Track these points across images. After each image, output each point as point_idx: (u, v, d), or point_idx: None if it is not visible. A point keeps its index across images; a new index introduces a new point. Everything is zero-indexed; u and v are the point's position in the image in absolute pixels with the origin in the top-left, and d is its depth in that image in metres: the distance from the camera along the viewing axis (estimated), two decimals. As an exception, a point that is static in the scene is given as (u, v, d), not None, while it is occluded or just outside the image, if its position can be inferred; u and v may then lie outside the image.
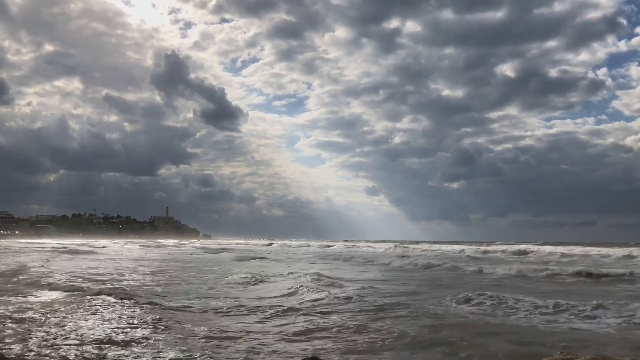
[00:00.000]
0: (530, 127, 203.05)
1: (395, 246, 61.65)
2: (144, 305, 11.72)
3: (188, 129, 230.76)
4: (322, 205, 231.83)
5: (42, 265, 23.30)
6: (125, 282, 17.58)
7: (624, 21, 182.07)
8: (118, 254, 44.35)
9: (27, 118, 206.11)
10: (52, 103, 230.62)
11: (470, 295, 13.40)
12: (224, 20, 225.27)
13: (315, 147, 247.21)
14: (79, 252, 43.20)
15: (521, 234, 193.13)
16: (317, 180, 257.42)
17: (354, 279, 20.48)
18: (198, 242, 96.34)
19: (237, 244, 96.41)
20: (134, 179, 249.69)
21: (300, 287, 15.79)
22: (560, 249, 47.70)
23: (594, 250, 41.31)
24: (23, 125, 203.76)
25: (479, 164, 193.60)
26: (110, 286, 15.65)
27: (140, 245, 71.97)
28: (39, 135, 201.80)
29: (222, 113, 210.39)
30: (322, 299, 13.25)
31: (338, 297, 13.31)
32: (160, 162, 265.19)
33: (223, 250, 54.43)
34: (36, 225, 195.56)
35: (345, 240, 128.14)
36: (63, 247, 51.75)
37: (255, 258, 39.53)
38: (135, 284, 17.37)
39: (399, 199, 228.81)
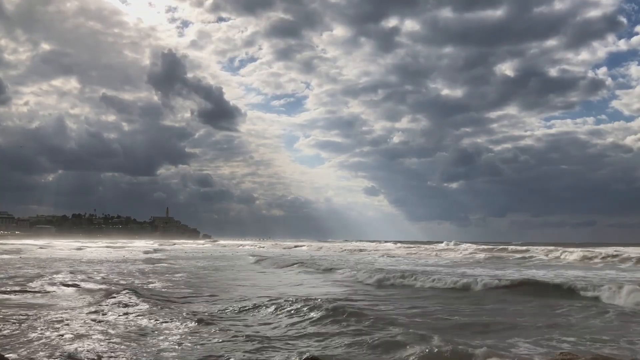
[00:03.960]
0: (529, 127, 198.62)
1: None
2: None
3: (186, 128, 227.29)
4: (321, 206, 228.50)
5: None
6: None
7: (624, 20, 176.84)
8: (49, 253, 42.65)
9: (25, 118, 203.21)
10: (49, 102, 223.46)
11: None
12: (221, 19, 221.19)
13: (314, 147, 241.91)
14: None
15: (521, 234, 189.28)
16: (316, 180, 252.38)
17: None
18: (157, 244, 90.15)
19: (213, 243, 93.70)
20: (132, 179, 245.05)
21: None
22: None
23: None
24: (20, 124, 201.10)
25: (478, 164, 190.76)
26: None
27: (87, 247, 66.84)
28: (37, 135, 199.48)
29: (220, 113, 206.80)
30: None
31: None
32: (158, 162, 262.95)
33: (158, 251, 50.25)
34: (36, 226, 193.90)
35: (341, 240, 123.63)
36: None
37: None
38: None
39: (399, 199, 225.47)
